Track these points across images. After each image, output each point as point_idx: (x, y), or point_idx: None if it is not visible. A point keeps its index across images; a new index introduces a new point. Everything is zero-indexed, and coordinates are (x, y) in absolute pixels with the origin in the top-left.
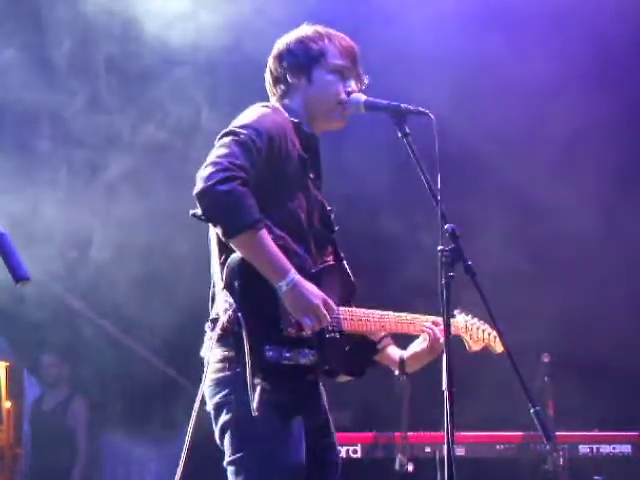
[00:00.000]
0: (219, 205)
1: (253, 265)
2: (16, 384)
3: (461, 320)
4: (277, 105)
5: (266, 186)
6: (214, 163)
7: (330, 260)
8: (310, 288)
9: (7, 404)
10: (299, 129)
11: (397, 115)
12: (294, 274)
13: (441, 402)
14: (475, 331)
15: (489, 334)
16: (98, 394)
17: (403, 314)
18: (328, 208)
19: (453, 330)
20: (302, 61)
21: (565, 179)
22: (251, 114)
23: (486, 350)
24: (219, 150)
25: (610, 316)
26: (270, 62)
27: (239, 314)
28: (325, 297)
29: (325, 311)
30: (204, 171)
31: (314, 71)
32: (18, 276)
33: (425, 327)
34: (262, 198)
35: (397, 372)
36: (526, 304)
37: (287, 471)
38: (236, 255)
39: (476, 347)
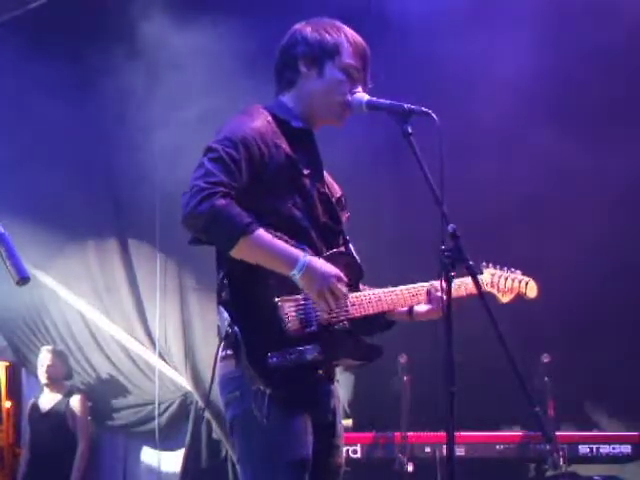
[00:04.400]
0: (205, 226)
1: (243, 280)
2: (16, 384)
3: (487, 276)
4: (263, 106)
5: (253, 194)
6: (190, 187)
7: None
8: (323, 266)
9: (7, 404)
10: (287, 127)
11: (400, 115)
12: (304, 257)
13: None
14: (503, 282)
15: (519, 281)
16: (96, 393)
17: (409, 286)
18: (337, 195)
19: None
20: (317, 52)
21: None
22: (228, 125)
23: (519, 298)
24: (195, 173)
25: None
26: (282, 47)
27: (236, 328)
28: (338, 273)
29: (341, 286)
30: (183, 198)
31: (326, 66)
32: (18, 276)
33: (433, 297)
34: (254, 205)
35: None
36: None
37: (293, 465)
38: (226, 271)
39: (506, 299)
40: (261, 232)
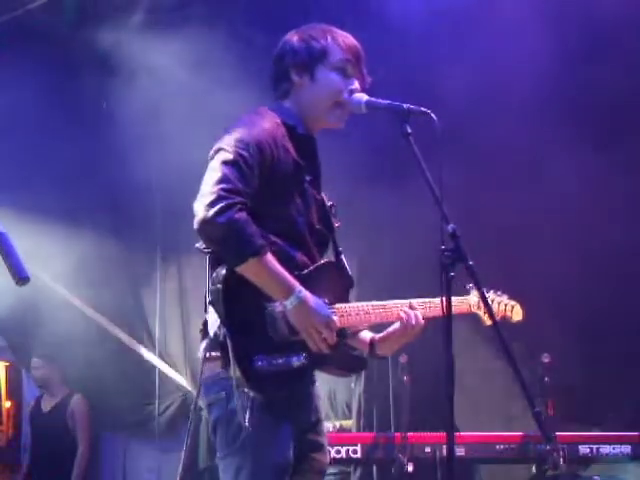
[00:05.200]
0: (221, 238)
1: (236, 282)
2: (16, 384)
3: (473, 297)
4: (269, 108)
5: (259, 196)
6: (208, 193)
7: (331, 258)
8: (316, 306)
9: (7, 404)
10: (293, 132)
11: (399, 115)
12: (299, 292)
13: None
14: (489, 305)
15: (505, 305)
16: (96, 393)
17: (389, 302)
18: (329, 204)
19: (465, 309)
20: (305, 59)
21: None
22: (240, 125)
23: (503, 321)
24: (210, 176)
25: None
26: (274, 59)
27: (224, 330)
28: (329, 315)
29: (327, 330)
30: (199, 203)
31: (317, 70)
32: (18, 276)
33: (401, 312)
34: (256, 207)
35: (367, 354)
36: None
37: (274, 469)
38: (219, 273)
39: (490, 321)
40: (270, 257)
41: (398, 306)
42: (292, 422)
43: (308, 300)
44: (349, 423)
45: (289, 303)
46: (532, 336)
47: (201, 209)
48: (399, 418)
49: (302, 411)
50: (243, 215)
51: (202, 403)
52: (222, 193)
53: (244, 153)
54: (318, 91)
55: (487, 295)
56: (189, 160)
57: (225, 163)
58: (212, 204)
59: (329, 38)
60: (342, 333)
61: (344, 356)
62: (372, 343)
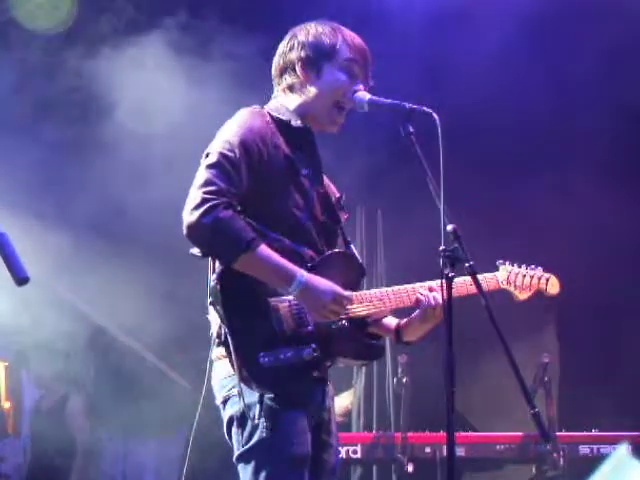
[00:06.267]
0: (209, 239)
1: (233, 281)
2: (15, 384)
3: (503, 273)
4: (261, 107)
5: (252, 193)
6: (193, 198)
7: (340, 249)
8: (320, 285)
9: (7, 404)
10: (288, 127)
11: (401, 114)
12: (301, 276)
13: None
14: (520, 279)
15: (539, 278)
16: (95, 393)
17: (408, 286)
18: (337, 196)
19: (494, 285)
20: (314, 55)
21: None
22: (227, 127)
23: (538, 295)
24: (195, 181)
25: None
26: (280, 51)
27: (225, 329)
28: (337, 290)
29: (338, 305)
30: (185, 209)
31: (325, 67)
32: (18, 277)
33: (418, 294)
34: (251, 205)
35: (394, 341)
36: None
37: (292, 462)
38: (219, 271)
39: (524, 296)
40: (263, 248)
41: (415, 290)
42: (306, 416)
43: (312, 281)
44: None
45: (293, 289)
46: (533, 336)
47: (187, 215)
48: (399, 418)
49: (314, 408)
50: (228, 213)
51: (217, 401)
52: (205, 196)
53: (229, 154)
54: (323, 88)
55: (519, 270)
56: (187, 155)
57: (209, 167)
58: (196, 208)
59: (339, 37)
60: (362, 322)
61: (358, 345)
62: (398, 329)
